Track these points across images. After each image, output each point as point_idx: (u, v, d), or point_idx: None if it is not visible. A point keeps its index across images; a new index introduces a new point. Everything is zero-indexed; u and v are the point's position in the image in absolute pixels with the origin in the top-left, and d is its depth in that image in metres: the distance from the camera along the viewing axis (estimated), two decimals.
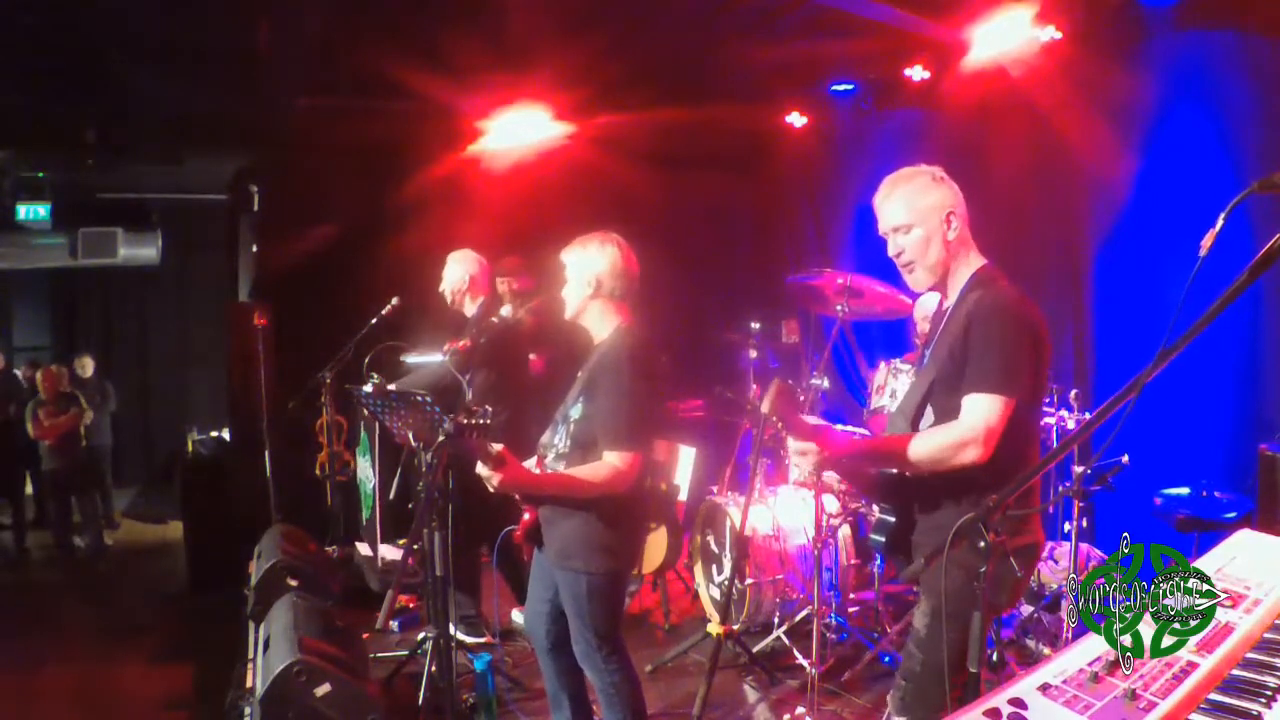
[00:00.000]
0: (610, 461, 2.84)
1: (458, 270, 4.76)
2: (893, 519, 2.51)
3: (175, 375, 11.39)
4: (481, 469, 2.75)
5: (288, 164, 7.22)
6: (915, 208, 2.44)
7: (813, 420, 2.55)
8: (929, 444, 2.33)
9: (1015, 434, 2.29)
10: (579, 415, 2.97)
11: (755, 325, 5.35)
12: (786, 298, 5.52)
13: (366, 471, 5.52)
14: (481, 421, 2.62)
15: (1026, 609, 4.43)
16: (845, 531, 4.79)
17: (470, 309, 4.77)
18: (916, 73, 6.08)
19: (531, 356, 5.31)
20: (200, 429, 9.59)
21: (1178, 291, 1.52)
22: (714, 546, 4.99)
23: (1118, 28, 5.02)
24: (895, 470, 2.43)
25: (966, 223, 2.48)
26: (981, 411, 2.27)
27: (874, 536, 2.57)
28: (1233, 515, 3.81)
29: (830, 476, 4.50)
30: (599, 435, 2.88)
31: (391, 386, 4.14)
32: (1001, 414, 2.26)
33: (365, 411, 5.09)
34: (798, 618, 4.60)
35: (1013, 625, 4.46)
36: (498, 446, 2.74)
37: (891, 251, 2.52)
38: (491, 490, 2.78)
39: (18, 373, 9.15)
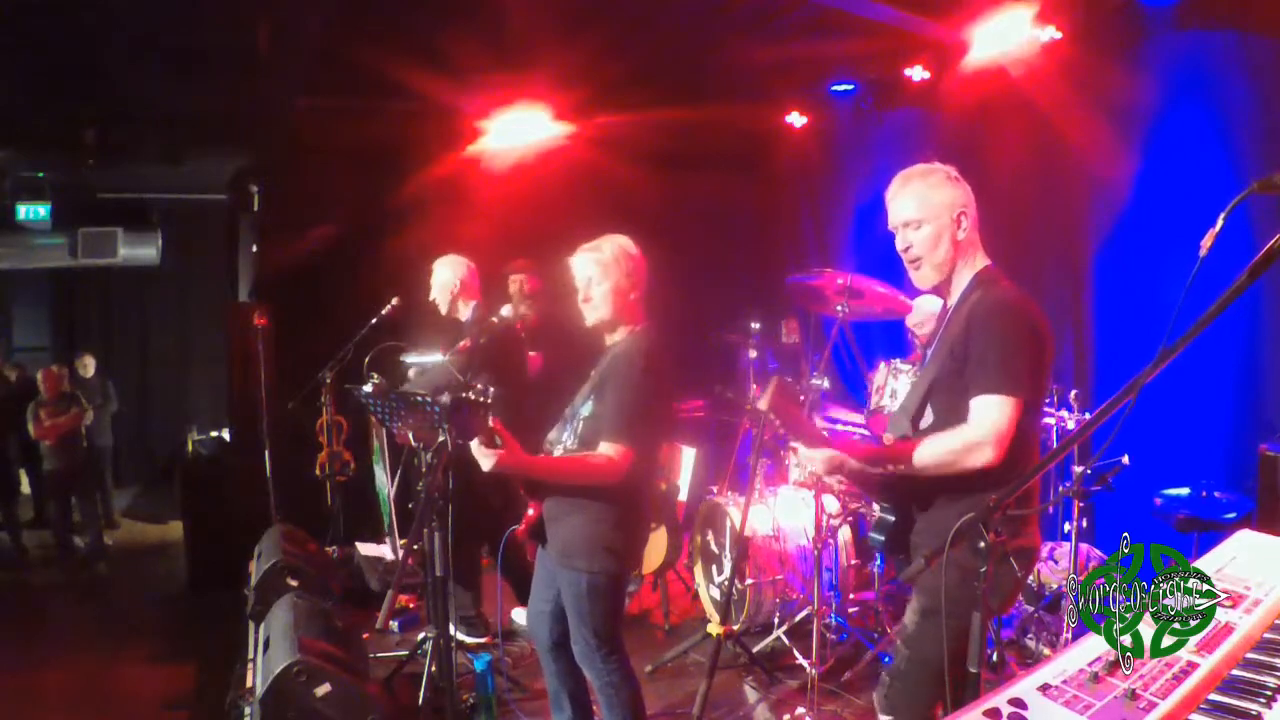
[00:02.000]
0: (604, 451, 2.84)
1: (445, 274, 4.75)
2: (893, 518, 2.51)
3: (175, 375, 11.39)
4: (477, 448, 2.73)
5: (288, 164, 7.22)
6: (927, 204, 2.44)
7: (819, 424, 2.55)
8: (940, 448, 2.32)
9: (1016, 435, 2.29)
10: (588, 414, 2.97)
11: (755, 325, 5.35)
12: (786, 298, 5.51)
13: (383, 478, 5.53)
14: (482, 399, 2.61)
15: (1026, 609, 4.43)
16: (845, 532, 4.79)
17: (464, 313, 4.76)
18: (916, 73, 6.08)
19: (530, 354, 5.31)
20: (200, 429, 9.60)
21: (1178, 291, 1.52)
22: (714, 546, 4.99)
23: (1118, 28, 5.02)
24: (909, 474, 2.42)
25: (976, 224, 2.48)
26: (991, 413, 2.26)
27: (873, 535, 2.57)
28: (1233, 515, 3.81)
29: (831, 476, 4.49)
30: (608, 430, 2.88)
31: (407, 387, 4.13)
32: (1011, 415, 2.25)
33: (373, 417, 5.10)
34: (798, 618, 4.60)
35: (1013, 625, 4.46)
36: (494, 425, 2.71)
37: (900, 246, 2.50)
38: (485, 470, 2.76)
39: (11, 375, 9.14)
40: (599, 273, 3.00)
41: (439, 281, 4.76)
